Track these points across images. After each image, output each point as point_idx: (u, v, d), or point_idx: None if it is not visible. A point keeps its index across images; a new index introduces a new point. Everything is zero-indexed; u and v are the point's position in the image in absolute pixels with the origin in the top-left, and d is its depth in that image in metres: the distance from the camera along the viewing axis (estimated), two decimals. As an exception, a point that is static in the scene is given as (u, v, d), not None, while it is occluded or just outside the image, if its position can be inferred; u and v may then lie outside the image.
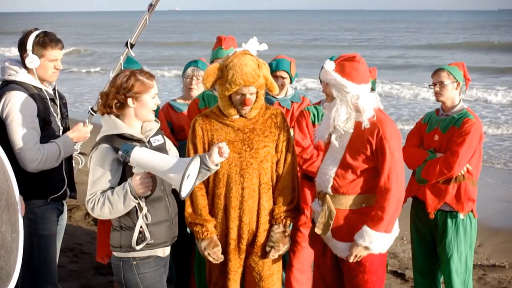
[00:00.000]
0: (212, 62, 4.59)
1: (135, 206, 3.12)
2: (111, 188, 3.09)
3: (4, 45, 36.95)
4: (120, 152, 3.01)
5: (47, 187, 3.75)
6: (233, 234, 3.73)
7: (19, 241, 2.96)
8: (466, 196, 4.09)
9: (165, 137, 3.43)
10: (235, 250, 3.76)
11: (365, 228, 3.40)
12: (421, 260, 4.38)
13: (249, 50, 3.67)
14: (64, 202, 4.00)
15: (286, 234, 3.76)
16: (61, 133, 3.83)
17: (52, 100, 3.81)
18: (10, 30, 50.21)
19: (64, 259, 5.80)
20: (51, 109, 3.76)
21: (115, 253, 3.28)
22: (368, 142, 3.42)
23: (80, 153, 4.09)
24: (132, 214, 3.15)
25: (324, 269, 3.75)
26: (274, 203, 3.76)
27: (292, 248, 4.32)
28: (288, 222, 3.77)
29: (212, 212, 3.75)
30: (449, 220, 4.13)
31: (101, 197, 3.06)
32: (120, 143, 3.08)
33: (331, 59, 4.19)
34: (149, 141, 3.26)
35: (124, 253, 3.22)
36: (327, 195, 3.52)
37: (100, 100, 3.17)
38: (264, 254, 3.75)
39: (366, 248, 3.41)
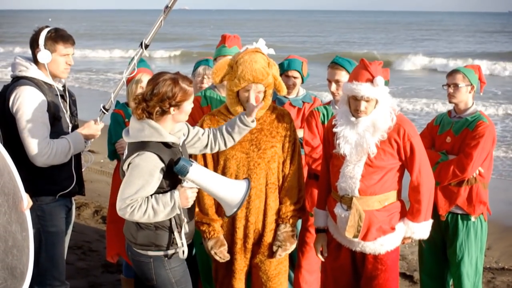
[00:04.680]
0: (215, 59, 4.61)
1: None
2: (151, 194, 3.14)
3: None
4: (177, 167, 3.08)
5: (56, 184, 3.76)
6: (240, 233, 3.75)
7: (30, 240, 2.97)
8: (478, 198, 4.07)
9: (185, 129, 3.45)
10: (241, 249, 3.78)
11: (406, 220, 3.62)
12: (430, 262, 4.35)
13: (260, 48, 3.68)
14: (72, 199, 4.02)
15: (293, 233, 3.77)
16: (70, 130, 3.84)
17: (62, 97, 3.84)
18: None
19: (73, 257, 5.82)
20: (61, 105, 3.79)
21: (141, 251, 3.28)
22: (395, 141, 3.49)
23: (89, 150, 4.09)
24: None
25: (338, 272, 3.75)
26: (281, 203, 3.78)
27: (301, 248, 4.32)
28: (295, 221, 3.79)
29: (219, 212, 3.76)
30: (460, 223, 4.12)
31: (143, 203, 3.09)
32: (162, 150, 3.12)
33: (341, 64, 4.19)
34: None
35: (156, 251, 3.26)
36: (354, 198, 3.53)
37: (135, 103, 3.14)
38: (271, 254, 3.77)
39: (409, 237, 3.68)
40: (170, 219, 3.22)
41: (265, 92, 3.64)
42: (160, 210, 3.10)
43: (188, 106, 3.18)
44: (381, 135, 3.47)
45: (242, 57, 3.58)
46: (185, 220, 3.24)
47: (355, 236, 3.54)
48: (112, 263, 5.07)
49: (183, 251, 3.27)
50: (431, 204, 3.62)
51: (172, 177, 3.16)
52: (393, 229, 3.58)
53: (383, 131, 3.47)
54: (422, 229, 3.62)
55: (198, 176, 3.12)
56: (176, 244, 3.26)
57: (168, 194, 3.13)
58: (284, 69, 4.63)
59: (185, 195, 3.14)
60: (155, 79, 3.11)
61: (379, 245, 3.57)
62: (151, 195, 3.12)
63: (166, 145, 3.15)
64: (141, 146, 3.10)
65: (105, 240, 6.24)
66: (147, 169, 3.07)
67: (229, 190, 3.21)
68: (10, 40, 42.56)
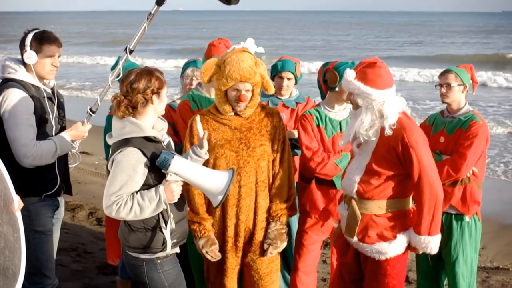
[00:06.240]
0: None
1: None
2: (136, 191, 3.14)
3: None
4: (159, 160, 3.08)
5: (41, 184, 3.81)
6: (230, 232, 3.77)
7: (21, 240, 2.97)
8: (472, 198, 4.08)
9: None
10: (233, 248, 3.80)
11: (411, 230, 3.48)
12: (425, 262, 4.36)
13: (247, 48, 3.71)
14: (59, 198, 4.04)
15: (284, 231, 3.80)
16: (55, 131, 3.89)
17: (50, 99, 3.89)
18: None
19: (67, 259, 5.81)
20: (48, 107, 3.83)
21: (134, 254, 3.29)
22: (394, 149, 3.39)
23: (83, 152, 4.10)
24: (155, 215, 3.21)
25: (344, 268, 3.75)
26: (271, 201, 3.81)
27: (298, 250, 4.31)
28: (285, 219, 3.82)
29: (209, 210, 3.79)
30: (454, 223, 4.13)
31: (128, 200, 3.08)
32: (145, 145, 3.14)
33: (351, 65, 4.21)
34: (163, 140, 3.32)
35: (148, 254, 3.26)
36: (352, 199, 3.52)
37: (117, 103, 3.17)
38: (262, 252, 3.80)
39: (415, 248, 3.49)
40: (158, 218, 3.21)
41: (253, 91, 3.68)
42: (146, 206, 3.09)
43: (165, 95, 3.27)
44: (356, 136, 3.46)
45: (229, 57, 3.63)
46: (171, 215, 3.23)
47: (350, 236, 3.54)
48: (107, 264, 5.08)
49: (171, 247, 3.27)
50: (437, 217, 3.41)
51: (158, 173, 3.17)
52: (395, 237, 3.48)
53: (359, 133, 3.43)
54: (426, 242, 3.42)
55: (181, 168, 3.12)
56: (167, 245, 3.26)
57: (153, 189, 3.14)
58: (277, 70, 4.63)
59: (169, 189, 3.14)
60: (128, 76, 3.18)
61: (377, 250, 3.50)
62: (137, 192, 3.12)
63: (149, 139, 3.18)
64: (123, 143, 3.14)
65: (100, 242, 6.24)
66: (129, 164, 3.08)
67: (213, 179, 3.20)
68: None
